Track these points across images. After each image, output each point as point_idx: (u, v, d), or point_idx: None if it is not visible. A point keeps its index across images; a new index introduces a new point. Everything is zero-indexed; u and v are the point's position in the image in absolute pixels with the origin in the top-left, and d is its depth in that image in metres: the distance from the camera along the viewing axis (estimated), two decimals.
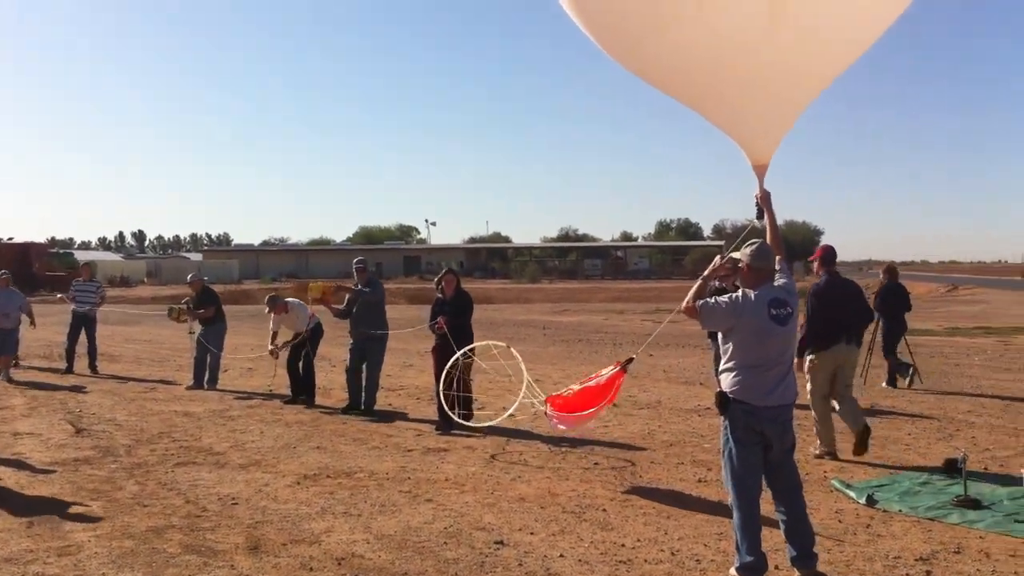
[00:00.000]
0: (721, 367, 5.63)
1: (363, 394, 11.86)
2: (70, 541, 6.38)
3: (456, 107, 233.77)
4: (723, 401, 5.53)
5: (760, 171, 6.58)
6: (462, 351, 9.92)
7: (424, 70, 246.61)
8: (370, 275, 12.03)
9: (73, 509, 7.23)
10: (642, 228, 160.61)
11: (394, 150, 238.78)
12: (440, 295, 10.98)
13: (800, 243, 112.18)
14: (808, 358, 8.87)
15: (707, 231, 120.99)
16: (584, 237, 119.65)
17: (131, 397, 13.21)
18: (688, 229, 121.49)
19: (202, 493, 7.71)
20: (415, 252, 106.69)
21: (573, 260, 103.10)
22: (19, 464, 8.77)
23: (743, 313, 5.45)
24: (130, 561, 5.96)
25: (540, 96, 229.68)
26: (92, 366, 16.23)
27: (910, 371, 13.54)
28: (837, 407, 8.77)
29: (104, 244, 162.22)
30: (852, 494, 7.33)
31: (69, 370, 16.12)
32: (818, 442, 8.91)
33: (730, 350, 5.53)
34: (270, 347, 13.19)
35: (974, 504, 6.86)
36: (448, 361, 9.92)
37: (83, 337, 16.40)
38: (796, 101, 6.71)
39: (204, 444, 9.74)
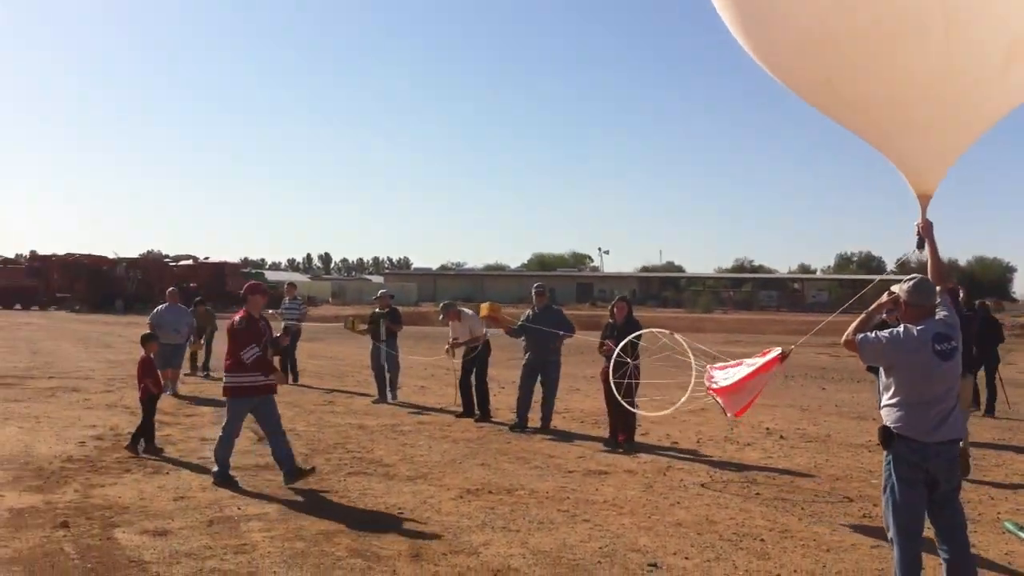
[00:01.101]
0: (884, 402, 5.51)
1: (541, 412, 12.40)
2: (246, 540, 6.81)
3: (633, 135, 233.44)
4: (887, 436, 5.41)
5: (924, 201, 6.43)
6: (625, 339, 10.07)
7: (598, 96, 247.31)
8: (548, 300, 12.62)
9: (250, 510, 7.70)
10: (821, 261, 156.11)
11: (569, 177, 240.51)
12: (611, 320, 11.28)
13: (991, 281, 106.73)
14: None
15: (890, 265, 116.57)
16: (759, 268, 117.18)
17: (310, 409, 13.86)
18: (870, 262, 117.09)
19: (371, 502, 8.07)
20: (588, 280, 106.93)
21: (748, 291, 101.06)
22: (204, 468, 9.35)
23: (903, 350, 5.31)
24: (300, 561, 6.31)
25: (718, 125, 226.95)
26: (294, 376, 17.50)
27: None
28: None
29: (293, 265, 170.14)
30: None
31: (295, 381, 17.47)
32: None
33: (892, 386, 5.39)
34: (446, 345, 13.86)
35: None
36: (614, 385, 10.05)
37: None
38: (970, 130, 6.53)
39: (376, 456, 10.14)
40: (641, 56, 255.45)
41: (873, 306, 5.69)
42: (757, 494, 8.63)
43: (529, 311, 12.67)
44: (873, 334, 5.47)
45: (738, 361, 8.27)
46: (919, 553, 5.31)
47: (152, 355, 10.67)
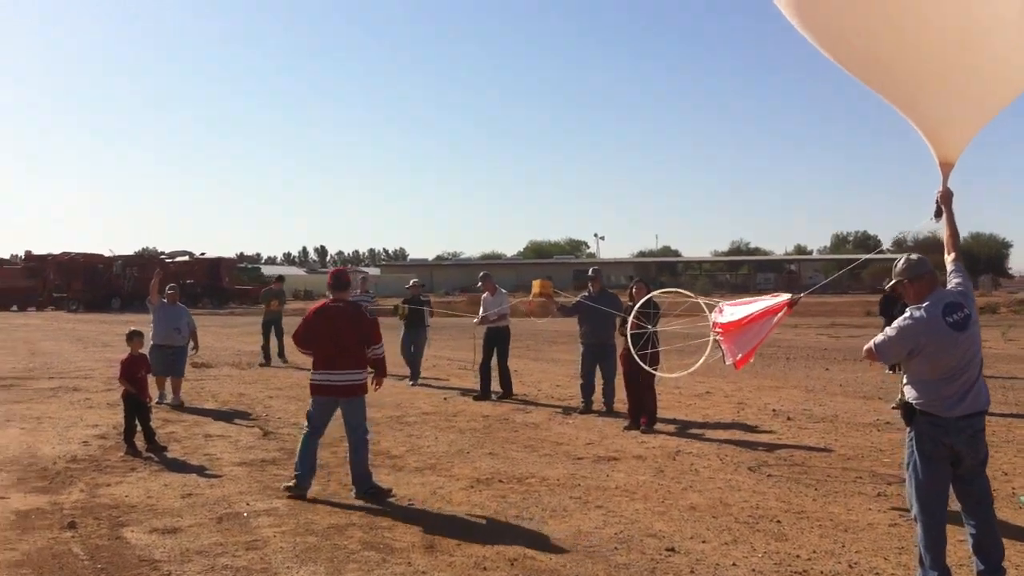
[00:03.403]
0: (907, 379, 5.43)
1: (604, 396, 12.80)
2: (256, 536, 6.74)
3: (624, 119, 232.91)
4: (909, 412, 5.34)
5: (946, 169, 6.34)
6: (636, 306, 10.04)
7: (590, 79, 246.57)
8: (603, 284, 12.85)
9: (259, 506, 7.62)
10: (817, 241, 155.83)
11: (563, 165, 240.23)
12: (631, 302, 11.33)
13: (987, 257, 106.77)
14: None
15: (887, 243, 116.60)
16: (756, 251, 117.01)
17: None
18: (866, 242, 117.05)
19: None
20: (585, 266, 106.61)
21: (745, 274, 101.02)
22: (210, 464, 9.28)
23: (915, 334, 5.23)
24: (313, 556, 6.24)
25: (709, 107, 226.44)
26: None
27: None
28: None
29: (288, 259, 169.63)
30: None
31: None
32: None
33: (914, 365, 5.33)
34: (477, 319, 14.70)
35: None
36: (633, 363, 10.02)
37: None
38: (998, 98, 6.43)
39: (383, 448, 10.05)
40: (634, 39, 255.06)
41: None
42: (769, 476, 8.56)
43: (582, 296, 12.81)
44: (882, 336, 5.38)
45: (750, 299, 8.41)
46: (943, 530, 5.26)
47: (138, 353, 10.45)
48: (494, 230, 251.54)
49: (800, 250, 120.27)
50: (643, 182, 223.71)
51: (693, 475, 8.63)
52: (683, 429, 11.23)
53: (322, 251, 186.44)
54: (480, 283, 14.69)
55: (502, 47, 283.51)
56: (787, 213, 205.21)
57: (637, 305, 9.89)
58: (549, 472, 8.77)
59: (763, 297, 8.28)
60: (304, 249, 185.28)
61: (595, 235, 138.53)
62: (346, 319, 8.04)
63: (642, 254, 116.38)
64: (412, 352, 16.26)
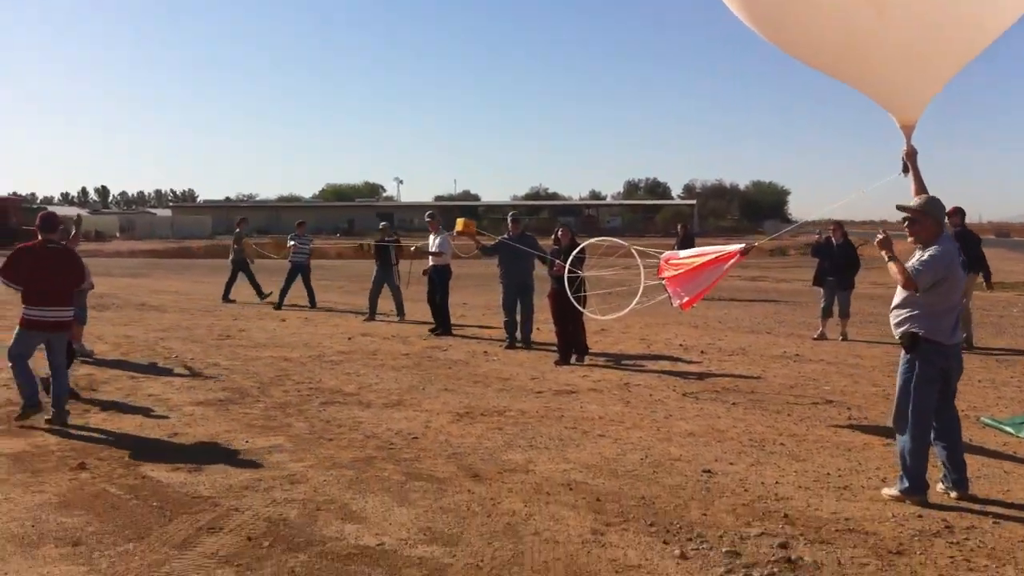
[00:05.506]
0: (910, 312, 5.95)
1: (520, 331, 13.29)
2: (290, 471, 6.59)
3: (423, 64, 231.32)
4: (914, 341, 5.91)
5: (907, 131, 6.88)
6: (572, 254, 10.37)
7: (385, 22, 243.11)
8: (522, 227, 13.29)
9: (261, 443, 7.42)
10: (610, 187, 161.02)
11: (359, 106, 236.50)
12: (556, 245, 11.81)
13: (770, 204, 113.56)
14: None
15: (676, 191, 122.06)
16: (554, 196, 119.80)
17: (212, 343, 13.30)
18: (656, 188, 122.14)
19: (373, 429, 7.92)
20: (388, 209, 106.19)
21: (545, 218, 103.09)
22: (162, 406, 8.89)
23: (950, 263, 5.83)
24: (365, 487, 6.18)
25: (507, 53, 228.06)
26: (312, 304, 18.86)
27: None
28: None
29: (67, 199, 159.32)
30: (1009, 429, 7.74)
31: (278, 307, 18.52)
32: None
33: (930, 295, 5.85)
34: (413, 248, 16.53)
35: None
36: (564, 302, 10.86)
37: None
38: (945, 66, 6.97)
39: (331, 386, 9.92)
40: None
41: (887, 253, 6.04)
42: (734, 403, 9.06)
43: (503, 237, 13.12)
44: (918, 263, 5.82)
45: (699, 252, 9.09)
46: (929, 444, 5.97)
47: None
48: (289, 171, 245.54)
49: (595, 195, 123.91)
50: (441, 127, 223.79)
51: (661, 404, 9.01)
52: (613, 362, 11.66)
53: (103, 191, 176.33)
54: (428, 220, 15.36)
55: None
56: (583, 159, 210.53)
57: (574, 252, 10.56)
58: (522, 406, 8.94)
59: (713, 248, 8.94)
60: (83, 189, 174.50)
61: (395, 179, 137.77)
62: (56, 259, 8.35)
63: (440, 198, 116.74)
64: (393, 289, 16.66)
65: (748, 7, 7.16)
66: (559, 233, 11.95)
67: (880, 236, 6.17)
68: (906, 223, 6.03)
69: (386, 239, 16.82)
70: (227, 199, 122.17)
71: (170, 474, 6.49)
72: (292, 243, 19.14)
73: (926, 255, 5.87)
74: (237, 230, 20.78)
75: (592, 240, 11.36)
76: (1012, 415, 8.36)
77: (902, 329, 6.00)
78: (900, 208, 6.15)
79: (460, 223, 13.00)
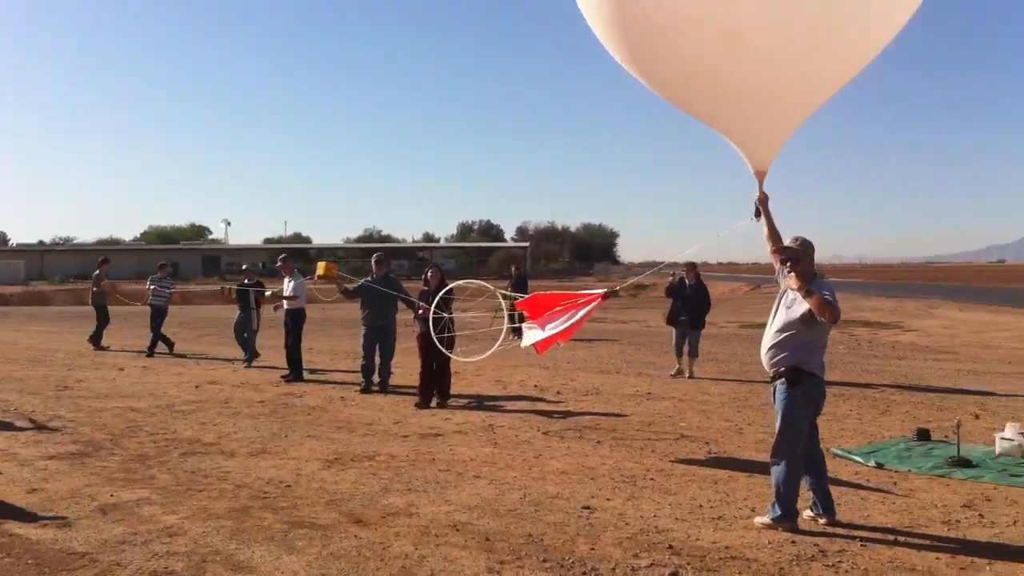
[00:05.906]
0: (791, 347, 6.30)
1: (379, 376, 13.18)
2: (165, 523, 6.38)
3: (249, 100, 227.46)
4: (797, 375, 6.28)
5: (760, 176, 7.37)
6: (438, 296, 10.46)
7: (206, 59, 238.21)
8: (386, 269, 13.33)
9: (127, 496, 7.13)
10: (444, 230, 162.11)
11: (186, 144, 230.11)
12: (425, 287, 11.84)
13: (600, 246, 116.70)
14: None
15: (509, 233, 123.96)
16: (388, 238, 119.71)
17: (50, 394, 12.68)
18: (490, 231, 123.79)
19: (243, 479, 7.73)
20: (214, 252, 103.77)
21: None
22: (14, 460, 8.42)
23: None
24: (248, 537, 6.05)
25: (340, 95, 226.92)
26: (150, 352, 18.20)
27: None
28: None
29: None
30: (859, 459, 8.24)
31: (150, 354, 18.12)
32: None
33: (812, 333, 6.28)
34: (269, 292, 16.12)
35: (967, 463, 7.88)
36: (431, 344, 10.95)
37: None
38: (794, 115, 7.48)
39: (188, 436, 9.63)
40: (253, 23, 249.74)
41: (797, 285, 6.36)
42: (599, 441, 9.30)
43: (366, 280, 13.12)
44: (828, 295, 6.09)
45: (561, 293, 9.41)
46: (802, 471, 6.35)
47: None
48: (109, 214, 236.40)
49: (429, 238, 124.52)
50: (270, 167, 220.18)
51: (528, 445, 9.16)
52: (475, 404, 11.77)
53: None
54: (279, 264, 15.26)
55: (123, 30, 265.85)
56: (416, 203, 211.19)
57: (440, 293, 10.67)
58: (391, 450, 8.92)
59: (576, 293, 9.32)
60: None
61: (223, 221, 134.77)
62: None
63: (270, 240, 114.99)
64: (250, 333, 16.48)
65: (611, 38, 7.39)
66: (428, 274, 12.02)
67: (791, 275, 6.36)
68: (787, 264, 6.38)
69: (246, 283, 16.50)
70: (40, 242, 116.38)
71: (39, 531, 6.18)
72: (152, 286, 18.74)
73: (824, 288, 6.20)
74: (97, 271, 20.05)
75: (459, 282, 11.54)
76: (858, 445, 8.90)
77: (784, 365, 6.32)
78: (783, 250, 6.50)
79: (321, 267, 12.97)
